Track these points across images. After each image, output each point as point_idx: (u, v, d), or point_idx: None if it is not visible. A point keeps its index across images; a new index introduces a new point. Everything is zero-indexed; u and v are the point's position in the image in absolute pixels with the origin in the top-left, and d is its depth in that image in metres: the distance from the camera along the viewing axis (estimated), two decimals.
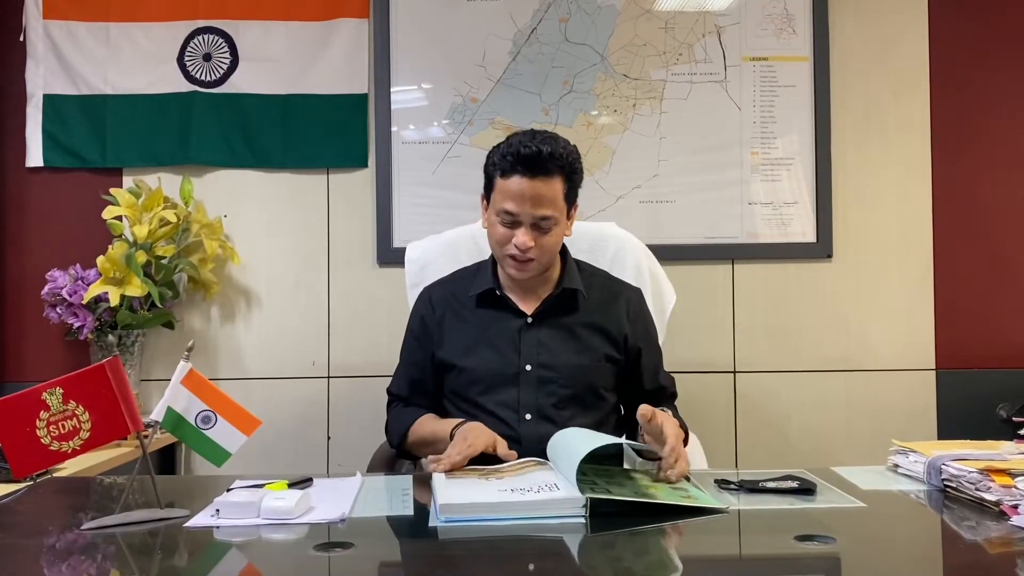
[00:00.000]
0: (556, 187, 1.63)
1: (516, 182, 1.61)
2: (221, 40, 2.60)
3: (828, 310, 2.64)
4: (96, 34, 2.59)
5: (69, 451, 1.19)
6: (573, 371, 1.69)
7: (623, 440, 1.38)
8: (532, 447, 1.61)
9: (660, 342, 1.89)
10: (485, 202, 1.73)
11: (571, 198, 1.68)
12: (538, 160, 1.60)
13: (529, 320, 1.72)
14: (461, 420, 1.61)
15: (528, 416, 1.66)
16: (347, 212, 2.62)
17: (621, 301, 1.79)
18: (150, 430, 1.31)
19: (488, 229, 1.71)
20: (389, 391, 1.85)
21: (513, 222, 1.63)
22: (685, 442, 1.53)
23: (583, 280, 1.76)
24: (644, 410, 1.42)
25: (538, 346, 1.70)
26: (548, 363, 1.69)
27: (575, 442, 1.33)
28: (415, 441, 1.72)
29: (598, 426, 1.71)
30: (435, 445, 1.65)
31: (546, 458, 1.46)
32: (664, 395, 1.81)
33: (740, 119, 2.64)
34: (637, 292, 1.85)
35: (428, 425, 1.71)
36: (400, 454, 1.79)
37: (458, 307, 1.77)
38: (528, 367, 1.69)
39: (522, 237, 1.62)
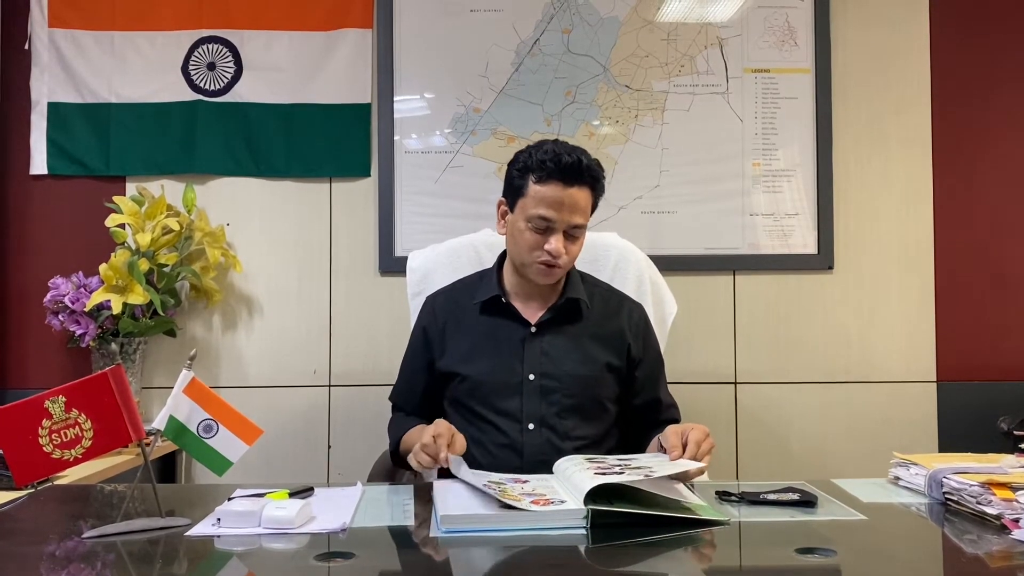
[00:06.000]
0: (587, 197, 1.65)
1: (555, 189, 1.61)
2: (225, 49, 2.61)
3: (829, 321, 2.64)
4: (101, 43, 2.60)
5: (71, 459, 1.19)
6: (576, 381, 1.69)
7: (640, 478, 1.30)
8: (534, 457, 1.62)
9: (661, 353, 1.87)
10: (505, 208, 1.71)
11: (593, 209, 1.70)
12: (578, 169, 1.61)
13: (533, 329, 1.72)
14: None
15: (531, 426, 1.66)
16: (349, 221, 2.62)
17: (623, 312, 1.79)
18: (151, 438, 1.31)
19: (514, 235, 1.68)
20: (392, 400, 1.87)
21: (547, 228, 1.63)
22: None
23: (586, 290, 1.77)
24: (674, 452, 1.43)
25: (541, 355, 1.70)
26: (551, 372, 1.69)
27: (584, 472, 1.33)
28: (404, 452, 1.71)
29: (601, 437, 1.71)
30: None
31: (548, 471, 1.46)
32: (660, 413, 1.77)
33: (742, 130, 2.64)
34: (639, 306, 1.85)
35: (415, 436, 1.69)
36: (396, 462, 1.80)
37: (461, 314, 1.77)
38: (531, 376, 1.69)
39: (556, 244, 1.62)
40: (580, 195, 1.63)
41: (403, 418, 1.80)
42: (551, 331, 1.72)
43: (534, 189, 1.63)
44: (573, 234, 1.65)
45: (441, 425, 1.52)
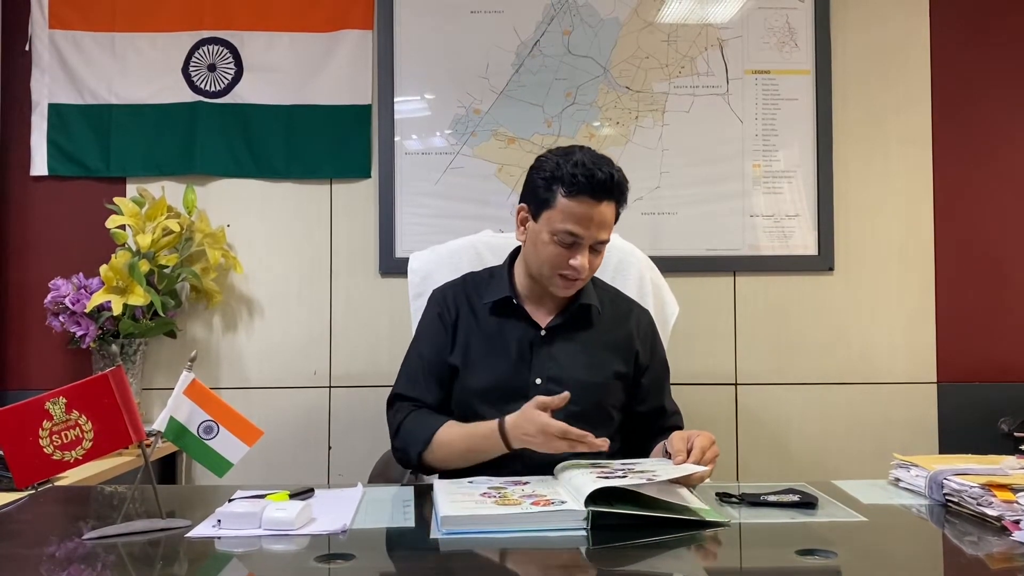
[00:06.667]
0: (614, 211, 1.63)
1: (585, 205, 1.57)
2: (226, 51, 2.61)
3: (829, 323, 2.64)
4: (101, 44, 2.60)
5: (72, 460, 1.19)
6: (584, 388, 1.65)
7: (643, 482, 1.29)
8: (534, 461, 1.60)
9: (667, 360, 1.85)
10: (526, 214, 1.67)
11: (616, 220, 1.68)
12: (610, 185, 1.58)
13: (543, 333, 1.70)
14: (497, 420, 1.54)
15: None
16: (350, 222, 2.62)
17: (632, 319, 1.78)
18: (152, 440, 1.31)
19: (537, 246, 1.64)
20: (402, 395, 1.71)
21: (573, 244, 1.60)
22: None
23: (597, 295, 1.75)
24: (679, 457, 1.43)
25: (550, 360, 1.68)
26: (559, 378, 1.66)
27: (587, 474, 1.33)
28: (443, 451, 1.60)
29: None
30: (478, 451, 1.56)
31: (550, 475, 1.46)
32: (664, 421, 1.75)
33: (742, 131, 2.64)
34: (647, 313, 1.84)
35: (456, 431, 1.60)
36: (419, 468, 1.66)
37: (471, 312, 1.74)
38: (538, 381, 1.67)
39: (582, 260, 1.59)
40: (608, 211, 1.61)
41: (425, 416, 1.66)
42: (561, 336, 1.70)
43: (563, 203, 1.58)
44: (598, 249, 1.64)
45: (550, 421, 1.45)
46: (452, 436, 1.60)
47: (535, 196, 1.63)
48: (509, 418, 1.53)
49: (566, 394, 1.48)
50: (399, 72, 2.62)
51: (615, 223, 1.66)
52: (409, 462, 1.66)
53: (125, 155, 2.59)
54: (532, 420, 1.47)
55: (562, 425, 1.44)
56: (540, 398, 1.48)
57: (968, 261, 2.66)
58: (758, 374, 2.63)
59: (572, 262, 1.60)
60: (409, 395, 1.72)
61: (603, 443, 1.43)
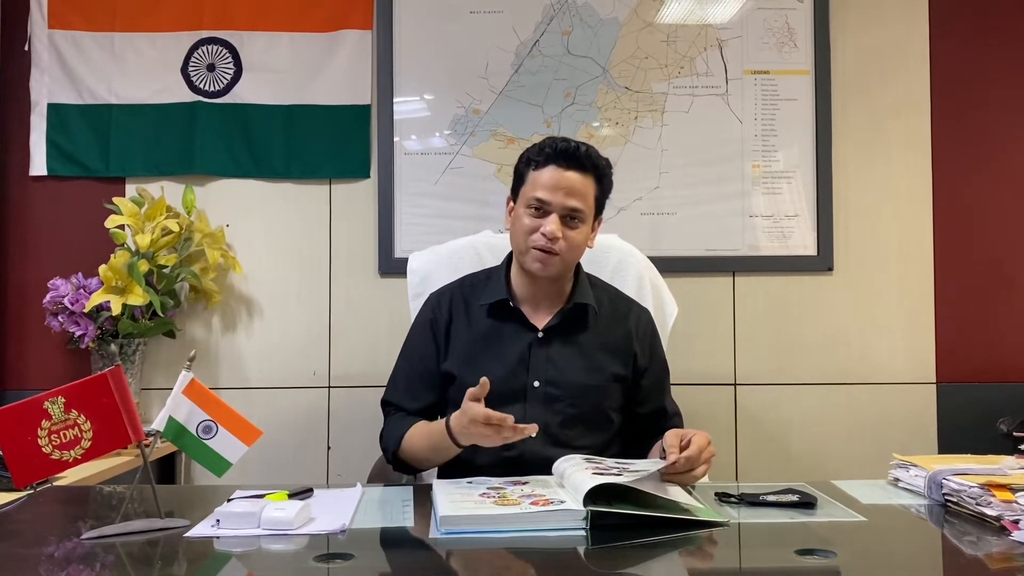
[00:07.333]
0: (588, 184, 1.65)
1: (551, 171, 1.63)
2: (225, 51, 2.61)
3: (829, 323, 2.64)
4: (101, 44, 2.60)
5: (70, 460, 1.19)
6: (581, 391, 1.66)
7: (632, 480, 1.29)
8: (534, 466, 1.60)
9: (667, 360, 1.84)
10: (512, 203, 1.72)
11: (599, 205, 1.69)
12: (575, 154, 1.63)
13: (540, 335, 1.70)
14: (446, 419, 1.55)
15: (532, 434, 1.64)
16: (349, 222, 2.62)
17: (631, 319, 1.77)
18: (151, 439, 1.31)
19: (513, 224, 1.69)
20: (387, 401, 1.77)
21: (543, 212, 1.63)
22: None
23: (595, 295, 1.75)
24: (672, 453, 1.42)
25: (547, 362, 1.68)
26: (556, 380, 1.67)
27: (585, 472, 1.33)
28: (411, 449, 1.65)
29: (604, 447, 1.69)
30: (436, 448, 1.59)
31: (549, 475, 1.46)
32: (664, 422, 1.74)
33: (741, 132, 2.64)
34: (647, 312, 1.83)
35: (422, 430, 1.64)
36: (396, 466, 1.72)
37: (467, 314, 1.74)
38: (536, 383, 1.66)
39: (551, 226, 1.61)
40: (578, 180, 1.63)
41: (402, 419, 1.72)
42: (558, 338, 1.70)
43: (532, 176, 1.65)
44: (572, 218, 1.63)
45: (475, 409, 1.44)
46: (418, 435, 1.64)
47: (516, 180, 1.71)
48: (453, 415, 1.53)
49: (484, 380, 1.45)
50: (398, 72, 2.62)
51: (599, 206, 1.69)
52: (389, 461, 1.73)
53: (124, 155, 2.59)
54: (464, 412, 1.47)
55: (483, 410, 1.43)
56: (471, 390, 1.47)
57: (967, 261, 2.66)
58: (757, 374, 2.63)
59: (542, 230, 1.61)
60: (392, 401, 1.77)
61: (531, 428, 1.42)
